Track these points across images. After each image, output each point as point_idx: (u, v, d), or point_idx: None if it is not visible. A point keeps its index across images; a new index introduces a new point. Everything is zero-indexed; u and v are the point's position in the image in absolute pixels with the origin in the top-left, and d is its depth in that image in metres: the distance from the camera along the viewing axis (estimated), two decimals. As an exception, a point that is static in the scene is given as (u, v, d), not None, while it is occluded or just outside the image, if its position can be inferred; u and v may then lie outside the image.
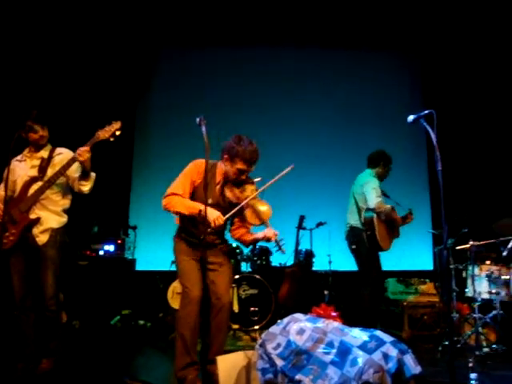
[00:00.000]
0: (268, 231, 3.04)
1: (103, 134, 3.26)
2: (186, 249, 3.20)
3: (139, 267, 6.34)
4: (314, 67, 7.25)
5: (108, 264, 5.66)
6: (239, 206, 3.02)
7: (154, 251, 6.34)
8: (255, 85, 7.14)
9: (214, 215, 2.96)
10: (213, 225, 2.94)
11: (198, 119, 2.87)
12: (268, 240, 3.05)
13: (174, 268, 5.56)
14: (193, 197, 3.16)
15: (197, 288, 3.10)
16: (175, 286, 5.10)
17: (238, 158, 3.04)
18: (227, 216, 3.03)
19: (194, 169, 3.17)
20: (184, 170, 3.20)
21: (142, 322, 5.51)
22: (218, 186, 3.18)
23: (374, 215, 4.33)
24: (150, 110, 7.19)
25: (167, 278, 5.44)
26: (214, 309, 3.15)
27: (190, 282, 3.10)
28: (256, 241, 3.19)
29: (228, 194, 3.11)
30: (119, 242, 5.88)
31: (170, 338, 4.72)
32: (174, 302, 5.06)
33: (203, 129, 2.80)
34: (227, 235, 3.40)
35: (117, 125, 3.31)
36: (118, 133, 3.30)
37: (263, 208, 3.06)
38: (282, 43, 7.17)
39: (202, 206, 2.93)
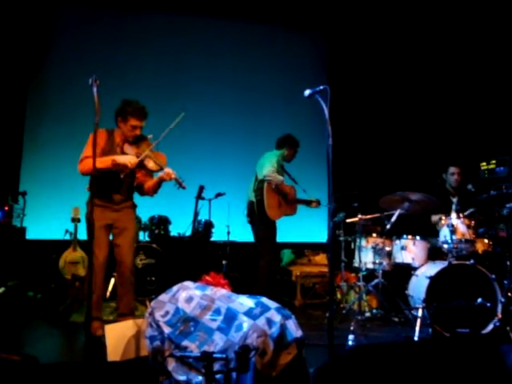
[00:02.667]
0: (167, 169, 3.48)
1: None
2: (97, 214, 3.35)
3: (30, 236, 5.94)
4: (222, 39, 7.15)
5: (-8, 232, 5.26)
6: (142, 156, 3.48)
7: (46, 219, 6.00)
8: (160, 53, 6.91)
9: (128, 158, 3.46)
10: (129, 165, 3.41)
11: (90, 80, 2.84)
12: (169, 176, 3.45)
13: (67, 237, 5.34)
14: None
15: (103, 255, 3.54)
16: (67, 256, 4.90)
17: (129, 116, 3.52)
18: (139, 157, 3.48)
19: (97, 136, 3.35)
20: (88, 140, 3.49)
21: (31, 294, 5.23)
22: (118, 148, 3.60)
23: (265, 184, 4.51)
24: (47, 67, 6.66)
25: (60, 247, 5.21)
26: (119, 269, 3.65)
27: (98, 248, 3.43)
28: (160, 181, 3.58)
29: (128, 151, 3.55)
30: (6, 208, 5.47)
31: (60, 309, 4.55)
32: (66, 272, 4.87)
33: (94, 90, 2.80)
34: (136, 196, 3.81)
35: None
36: None
37: (159, 155, 3.59)
38: (190, 11, 6.99)
39: (113, 156, 3.45)
